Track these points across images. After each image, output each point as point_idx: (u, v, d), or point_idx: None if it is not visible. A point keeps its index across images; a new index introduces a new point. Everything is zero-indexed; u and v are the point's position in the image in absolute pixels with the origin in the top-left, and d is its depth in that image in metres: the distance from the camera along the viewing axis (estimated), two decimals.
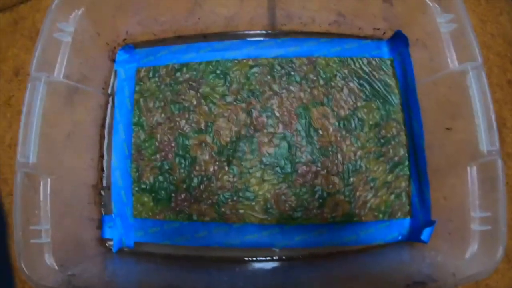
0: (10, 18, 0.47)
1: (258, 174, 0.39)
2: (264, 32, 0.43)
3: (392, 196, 0.41)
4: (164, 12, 0.41)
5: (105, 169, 0.40)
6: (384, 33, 0.44)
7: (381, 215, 0.40)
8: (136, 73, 0.42)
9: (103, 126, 0.40)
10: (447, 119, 0.38)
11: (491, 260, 0.31)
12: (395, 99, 0.43)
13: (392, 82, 0.43)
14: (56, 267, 0.31)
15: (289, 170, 0.40)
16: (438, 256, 0.37)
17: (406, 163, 0.41)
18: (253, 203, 0.39)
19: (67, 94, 0.36)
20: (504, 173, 0.32)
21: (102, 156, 0.40)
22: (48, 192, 0.32)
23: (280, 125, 0.41)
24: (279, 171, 0.40)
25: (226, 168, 0.39)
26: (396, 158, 0.41)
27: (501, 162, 0.32)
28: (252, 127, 0.40)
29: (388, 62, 0.44)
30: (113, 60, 0.42)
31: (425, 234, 0.39)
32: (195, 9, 0.41)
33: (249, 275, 0.36)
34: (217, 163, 0.39)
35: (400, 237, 0.41)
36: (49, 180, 0.32)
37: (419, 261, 0.39)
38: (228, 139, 0.40)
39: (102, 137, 0.40)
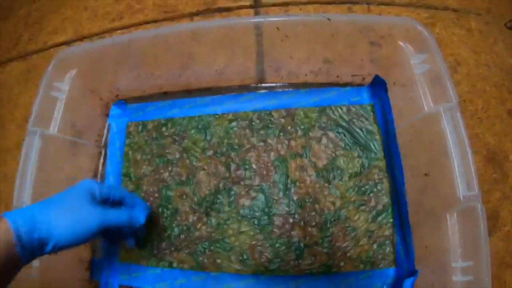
0: (23, 66, 0.53)
1: (235, 226, 0.41)
2: (245, 85, 0.45)
3: (375, 245, 0.40)
4: (159, 67, 0.44)
5: None
6: (364, 78, 0.44)
7: (362, 265, 0.40)
8: (126, 127, 0.45)
9: (96, 175, 0.44)
10: (425, 164, 0.37)
11: None
12: (377, 145, 0.42)
13: (373, 128, 0.43)
14: None
15: (265, 222, 0.41)
16: None
17: (390, 210, 0.41)
18: (230, 253, 0.40)
19: (62, 146, 0.40)
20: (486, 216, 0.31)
21: None
22: None
23: (257, 178, 0.42)
24: (256, 222, 0.41)
25: (205, 219, 0.41)
26: (379, 206, 0.41)
27: (481, 207, 0.31)
28: (230, 180, 0.42)
29: (369, 108, 0.43)
30: (107, 115, 0.46)
31: (406, 285, 0.38)
32: (188, 63, 0.44)
33: None
34: (196, 213, 0.41)
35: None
36: None
37: None
38: (207, 192, 0.42)
39: None
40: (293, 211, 0.41)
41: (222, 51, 0.44)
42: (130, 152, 0.44)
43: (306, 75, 0.44)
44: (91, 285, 0.42)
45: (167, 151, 0.43)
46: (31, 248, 0.27)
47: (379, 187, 0.42)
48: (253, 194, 0.41)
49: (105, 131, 0.46)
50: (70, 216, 0.29)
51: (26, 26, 0.56)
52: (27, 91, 0.53)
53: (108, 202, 0.34)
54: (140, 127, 0.45)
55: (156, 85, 0.45)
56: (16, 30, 0.56)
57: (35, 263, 0.35)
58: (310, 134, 0.43)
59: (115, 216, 0.32)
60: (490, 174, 0.47)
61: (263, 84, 0.45)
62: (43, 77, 0.39)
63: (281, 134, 0.43)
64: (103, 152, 0.45)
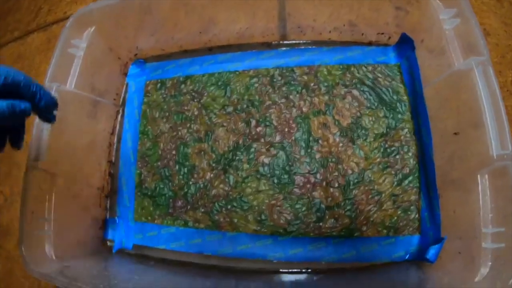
0: (44, 37, 0.54)
1: (253, 184, 0.39)
2: (267, 43, 0.44)
3: (399, 211, 0.38)
4: (179, 30, 0.43)
5: (113, 174, 0.43)
6: (390, 37, 0.42)
7: (385, 231, 0.37)
8: (145, 85, 0.44)
9: (112, 134, 0.43)
10: (454, 123, 0.34)
11: (503, 283, 0.27)
12: (404, 106, 0.40)
13: (400, 88, 0.41)
14: (54, 257, 0.34)
15: (286, 180, 0.39)
16: (445, 278, 0.34)
17: (416, 174, 0.38)
18: (247, 213, 0.38)
19: (79, 103, 0.40)
20: None
21: (110, 162, 0.43)
22: (54, 189, 0.35)
23: (278, 135, 0.40)
24: (276, 181, 0.39)
25: (222, 176, 0.40)
26: (405, 170, 0.38)
27: None
28: (249, 137, 0.40)
29: (395, 68, 0.41)
30: (125, 74, 0.45)
31: (431, 253, 0.35)
32: (209, 27, 0.43)
33: (238, 286, 0.35)
34: (214, 171, 0.40)
35: (407, 256, 0.37)
36: (56, 178, 0.36)
37: (425, 284, 0.35)
38: (226, 148, 0.40)
39: (111, 144, 0.43)
40: (315, 171, 0.39)
41: (243, 15, 0.43)
42: (147, 110, 0.43)
43: (330, 31, 0.42)
44: (106, 244, 0.41)
45: (185, 108, 0.42)
46: None
47: (405, 149, 0.39)
48: (274, 151, 0.40)
49: (123, 90, 0.45)
50: None
51: None
52: (48, 60, 0.52)
53: None
54: (158, 85, 0.44)
55: (176, 44, 0.45)
56: (36, 3, 0.57)
57: (48, 219, 0.34)
58: (334, 91, 0.41)
59: None
60: None
61: (285, 42, 0.43)
62: (61, 35, 0.39)
63: (304, 90, 0.41)
64: (120, 111, 0.44)
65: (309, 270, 0.37)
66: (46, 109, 0.29)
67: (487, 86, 0.31)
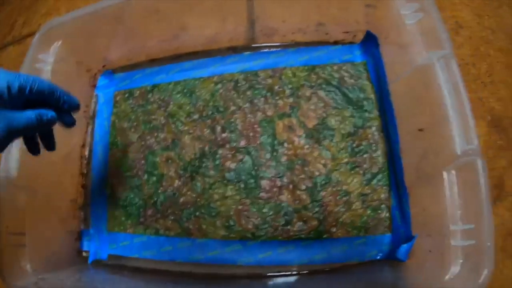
0: (19, 50, 0.55)
1: (220, 190, 0.39)
2: (233, 47, 0.44)
3: (369, 210, 0.37)
4: (150, 38, 0.43)
5: (86, 186, 0.43)
6: (355, 36, 0.41)
7: (355, 231, 0.37)
8: (113, 96, 0.45)
9: (83, 146, 0.44)
10: (420, 119, 0.34)
11: (474, 282, 0.26)
12: (371, 104, 0.40)
13: (367, 86, 0.40)
14: (30, 270, 0.34)
15: (252, 185, 0.39)
16: (418, 277, 0.33)
17: (386, 172, 0.38)
18: (215, 219, 0.39)
19: None
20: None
21: (83, 174, 0.43)
22: (28, 203, 0.36)
23: (243, 140, 0.40)
24: (242, 186, 0.39)
25: (190, 184, 0.40)
26: (374, 168, 0.38)
27: (482, 162, 0.28)
28: (215, 143, 0.40)
29: (361, 66, 0.41)
30: (94, 86, 0.46)
31: (401, 251, 0.35)
32: (180, 34, 0.43)
33: None
34: (182, 178, 0.40)
35: (380, 256, 0.37)
36: (30, 193, 0.36)
37: (398, 283, 0.35)
38: (192, 156, 0.41)
39: (83, 157, 0.44)
40: (281, 174, 0.39)
41: (213, 20, 0.42)
42: (116, 121, 0.44)
43: (293, 33, 0.42)
44: (82, 256, 0.42)
45: (152, 117, 0.43)
46: None
47: (374, 148, 0.39)
48: (240, 156, 0.40)
49: (93, 102, 0.45)
50: None
51: (21, 11, 0.57)
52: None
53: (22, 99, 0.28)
54: (126, 95, 0.44)
55: (143, 53, 0.45)
56: (11, 16, 0.58)
57: (23, 233, 0.35)
58: (299, 93, 0.41)
59: (22, 117, 0.27)
60: (495, 140, 0.43)
61: (253, 45, 0.43)
62: (29, 50, 0.39)
63: (268, 94, 0.41)
64: (91, 123, 0.45)
65: (281, 274, 0.38)
66: (69, 112, 0.31)
67: (450, 80, 0.30)
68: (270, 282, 0.37)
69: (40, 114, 0.28)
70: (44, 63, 0.39)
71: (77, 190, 0.42)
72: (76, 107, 0.31)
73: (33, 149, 0.32)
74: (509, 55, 0.42)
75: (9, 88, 0.27)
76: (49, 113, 0.29)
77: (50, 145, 0.33)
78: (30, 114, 0.27)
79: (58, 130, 0.42)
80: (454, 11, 0.45)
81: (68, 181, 0.42)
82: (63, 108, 0.30)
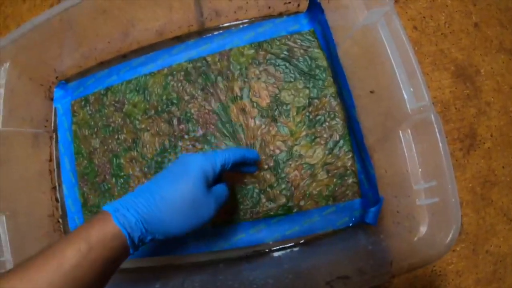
0: None
1: None
2: (177, 37, 0.43)
3: (335, 178, 0.37)
4: (101, 40, 0.42)
5: (59, 199, 0.44)
6: (299, 5, 0.40)
7: (324, 201, 0.37)
8: (71, 106, 0.45)
9: (51, 160, 0.44)
10: (371, 81, 0.33)
11: (443, 240, 0.26)
12: (324, 72, 0.39)
13: (318, 54, 0.39)
14: None
15: None
16: (390, 240, 0.33)
17: (347, 138, 0.38)
18: None
19: (11, 139, 0.41)
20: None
21: (54, 188, 0.44)
22: (5, 227, 0.37)
23: (201, 129, 0.40)
24: None
25: None
26: (334, 136, 0.38)
27: (435, 116, 0.27)
28: (174, 136, 0.40)
29: (310, 35, 0.40)
30: (51, 98, 0.45)
31: (370, 215, 0.35)
32: (129, 30, 0.42)
33: (184, 282, 0.36)
34: (147, 176, 0.40)
35: (352, 222, 0.37)
36: (4, 216, 0.37)
37: (372, 248, 0.35)
38: (154, 152, 0.41)
39: (51, 170, 0.44)
40: None
41: (160, 10, 0.41)
42: (78, 130, 0.44)
43: (235, 12, 0.40)
44: None
45: (110, 120, 0.42)
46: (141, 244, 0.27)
47: (332, 116, 0.38)
48: (199, 146, 0.40)
49: (52, 115, 0.45)
50: (185, 217, 0.27)
51: None
52: None
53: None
54: (83, 103, 0.44)
55: (94, 57, 0.44)
56: None
57: (7, 257, 0.36)
58: (247, 73, 0.40)
59: (224, 194, 0.31)
60: (461, 90, 0.42)
61: (202, 30, 0.42)
62: None
63: (219, 78, 0.40)
64: (54, 136, 0.45)
65: (255, 253, 0.38)
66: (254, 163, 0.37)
67: (394, 37, 0.29)
68: (246, 264, 0.38)
69: (248, 169, 0.37)
70: None
71: (52, 204, 0.43)
72: (257, 159, 0.37)
73: None
74: (467, 3, 0.41)
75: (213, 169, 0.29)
76: (252, 169, 0.37)
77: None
78: (224, 188, 0.31)
79: (23, 147, 0.43)
80: None
81: (43, 197, 0.42)
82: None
